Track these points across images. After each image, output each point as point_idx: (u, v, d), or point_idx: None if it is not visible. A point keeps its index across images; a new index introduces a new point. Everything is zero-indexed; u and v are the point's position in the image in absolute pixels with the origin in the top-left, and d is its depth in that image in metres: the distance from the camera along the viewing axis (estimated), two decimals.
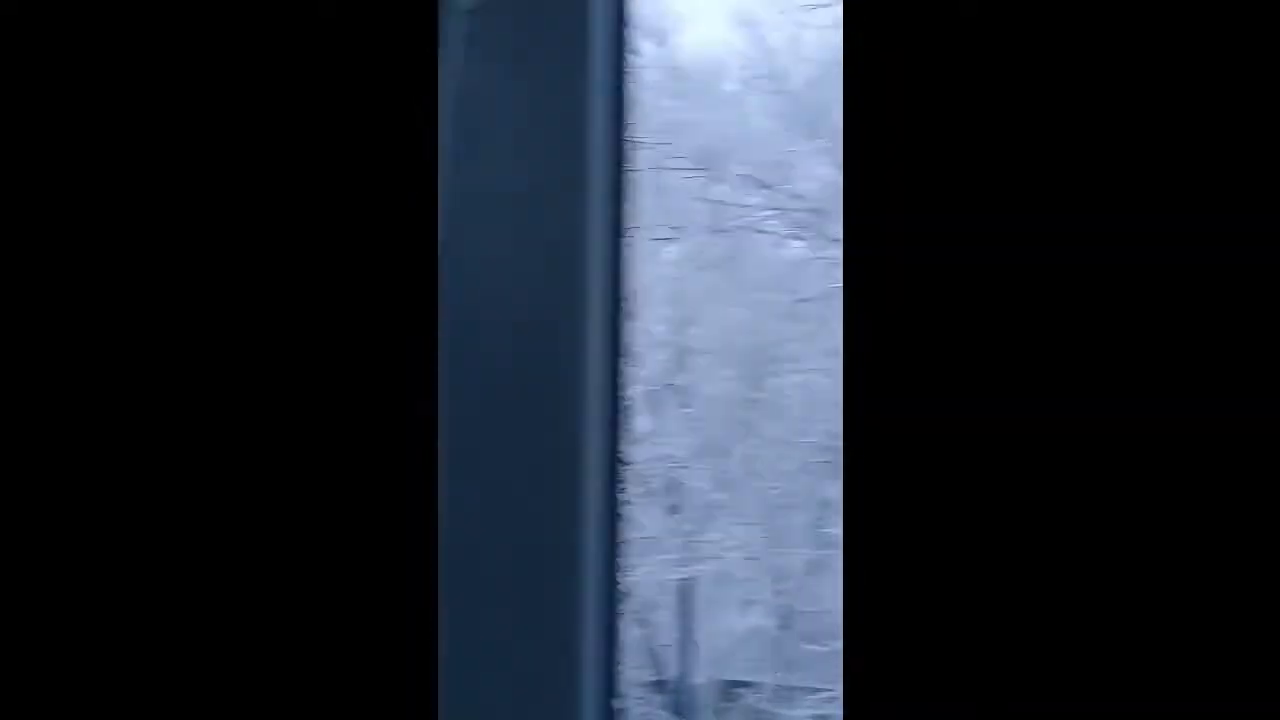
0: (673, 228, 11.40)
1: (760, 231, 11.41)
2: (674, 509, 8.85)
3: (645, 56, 12.33)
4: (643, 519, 8.66)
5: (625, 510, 2.97)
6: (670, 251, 11.33)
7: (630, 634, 8.35)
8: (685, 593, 9.43)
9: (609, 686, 2.57)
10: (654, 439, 8.89)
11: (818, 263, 9.57)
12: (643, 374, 8.54)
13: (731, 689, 9.11)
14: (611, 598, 2.59)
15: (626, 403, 2.86)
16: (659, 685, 9.05)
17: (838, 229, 8.64)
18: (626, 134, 2.79)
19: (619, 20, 2.62)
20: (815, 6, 12.25)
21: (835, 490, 8.52)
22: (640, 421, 8.81)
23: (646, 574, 8.35)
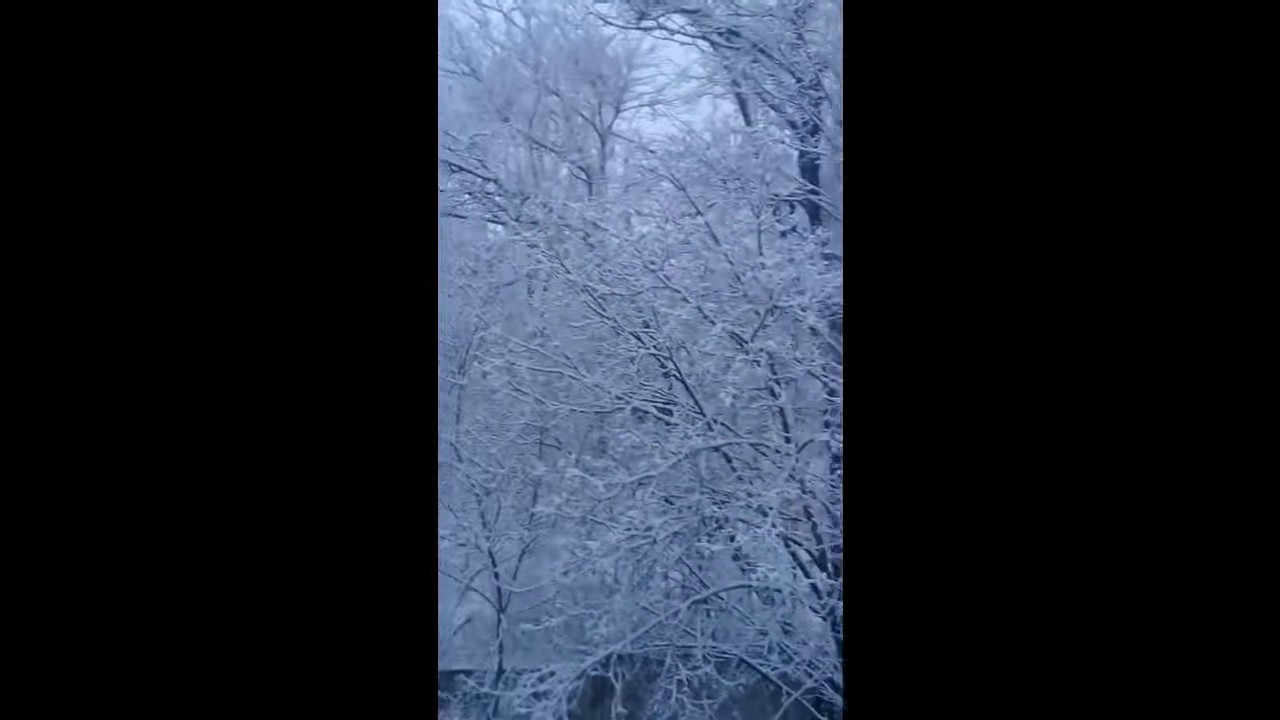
0: None
1: (458, 216, 11.27)
2: None
3: None
4: None
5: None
6: None
7: None
8: None
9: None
10: None
11: (517, 246, 9.58)
12: None
13: (451, 678, 9.02)
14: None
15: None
16: None
17: (536, 211, 8.61)
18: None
19: None
20: None
21: (543, 468, 8.57)
22: None
23: None
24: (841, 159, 9.22)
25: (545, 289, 9.42)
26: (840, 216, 9.34)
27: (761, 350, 7.76)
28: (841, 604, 7.73)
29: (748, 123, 10.33)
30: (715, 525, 8.16)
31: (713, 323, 7.87)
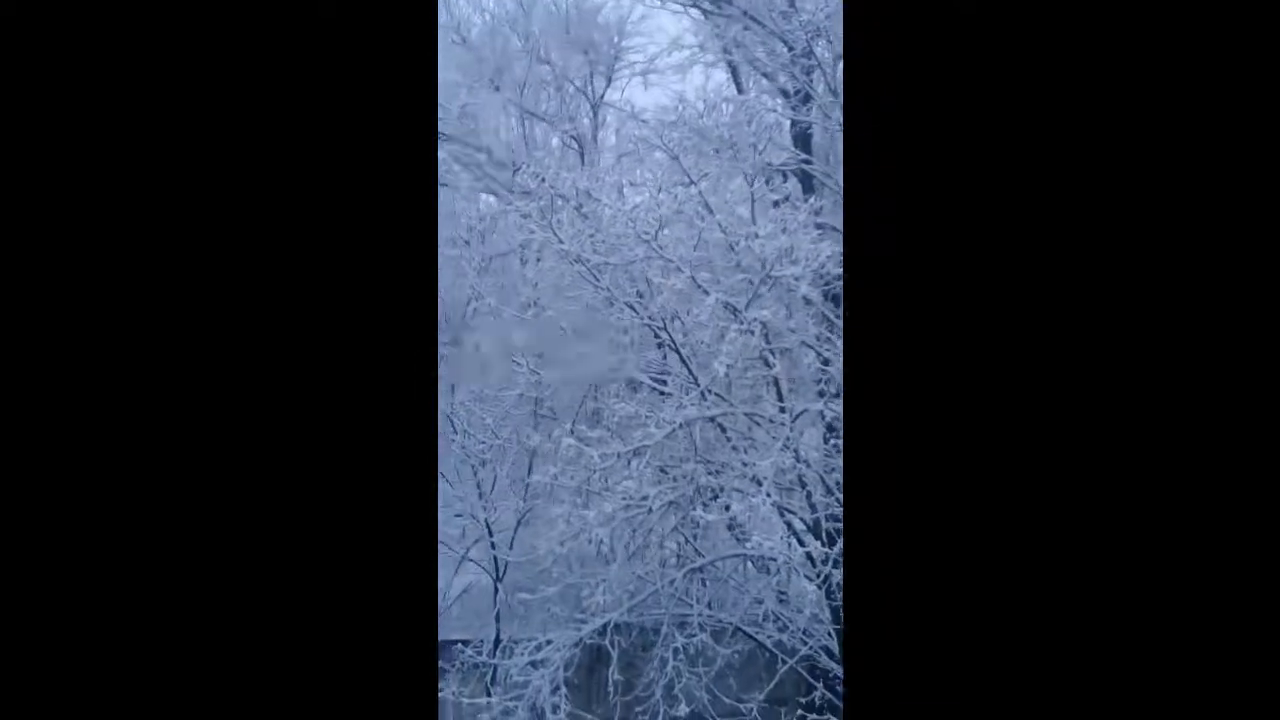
0: None
1: (448, 186, 11.22)
2: None
3: None
4: None
5: None
6: None
7: None
8: None
9: None
10: None
11: (509, 216, 9.53)
12: None
13: (450, 647, 9.08)
14: None
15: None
16: None
17: (528, 181, 8.58)
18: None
19: None
20: None
21: (538, 438, 8.57)
22: None
23: None
24: (837, 127, 9.21)
25: (538, 259, 9.38)
26: (833, 185, 9.33)
27: (755, 320, 7.76)
28: (837, 572, 7.79)
29: (740, 91, 10.27)
30: (710, 495, 8.19)
31: (706, 293, 7.86)
